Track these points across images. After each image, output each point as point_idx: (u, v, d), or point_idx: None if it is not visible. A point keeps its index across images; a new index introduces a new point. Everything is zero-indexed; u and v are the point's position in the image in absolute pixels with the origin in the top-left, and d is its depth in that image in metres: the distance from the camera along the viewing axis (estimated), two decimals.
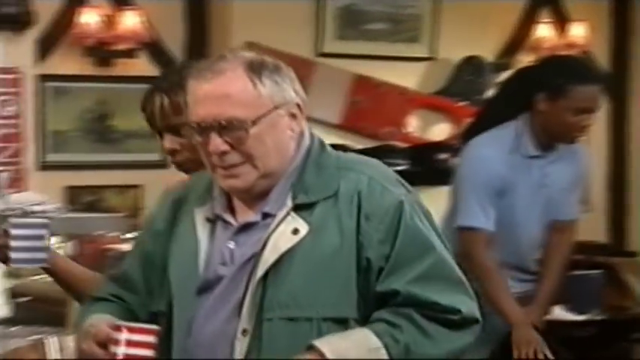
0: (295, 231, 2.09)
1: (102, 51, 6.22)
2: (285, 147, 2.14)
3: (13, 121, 5.71)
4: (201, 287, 2.12)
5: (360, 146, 6.45)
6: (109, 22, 6.20)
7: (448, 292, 2.08)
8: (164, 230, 2.24)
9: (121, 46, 6.23)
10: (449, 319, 2.07)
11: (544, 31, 7.09)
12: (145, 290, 2.23)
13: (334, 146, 6.58)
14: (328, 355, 1.98)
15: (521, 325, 3.86)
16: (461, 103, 6.73)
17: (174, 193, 2.28)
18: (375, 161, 2.24)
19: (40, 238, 2.50)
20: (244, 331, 2.05)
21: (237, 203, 2.17)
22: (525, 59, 6.65)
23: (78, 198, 6.13)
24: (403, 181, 2.20)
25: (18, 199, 4.47)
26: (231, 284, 2.10)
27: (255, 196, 2.14)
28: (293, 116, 2.15)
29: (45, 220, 2.52)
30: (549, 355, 3.84)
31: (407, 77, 6.68)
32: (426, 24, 6.71)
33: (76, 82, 6.26)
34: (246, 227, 2.14)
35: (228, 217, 2.16)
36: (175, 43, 6.47)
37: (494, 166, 3.86)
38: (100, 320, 2.12)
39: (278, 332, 2.05)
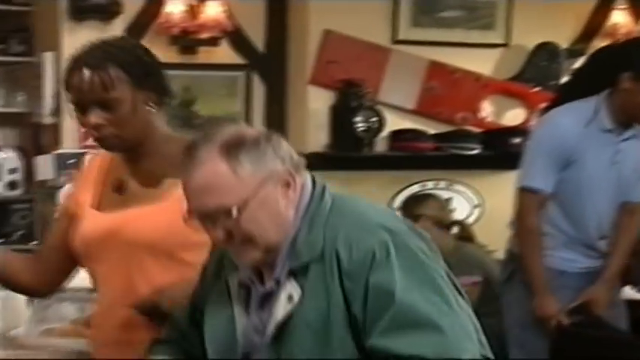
0: (290, 298, 2.09)
1: (186, 40, 6.41)
2: (282, 218, 2.12)
3: None
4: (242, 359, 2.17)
5: (434, 131, 6.62)
6: (193, 11, 6.39)
7: (413, 340, 2.01)
8: (209, 283, 2.29)
9: (205, 35, 6.41)
10: None
11: (619, 17, 7.10)
12: (197, 335, 2.30)
13: (408, 131, 6.70)
14: None
15: (542, 293, 4.00)
16: (535, 89, 6.80)
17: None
18: (358, 206, 2.18)
19: None
20: None
21: (265, 269, 2.18)
22: (600, 45, 6.69)
23: None
24: (388, 220, 2.15)
25: None
26: (261, 355, 2.15)
27: (269, 265, 2.15)
28: (286, 184, 2.12)
29: None
30: (565, 322, 3.98)
31: (481, 64, 6.76)
32: (500, 11, 6.77)
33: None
34: (267, 295, 2.16)
35: (256, 285, 2.18)
36: (256, 31, 6.65)
37: (564, 134, 3.98)
38: None
39: None
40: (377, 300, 2.03)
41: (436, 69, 6.65)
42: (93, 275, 2.63)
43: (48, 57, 5.91)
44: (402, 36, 6.61)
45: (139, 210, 2.51)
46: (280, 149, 2.13)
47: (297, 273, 2.10)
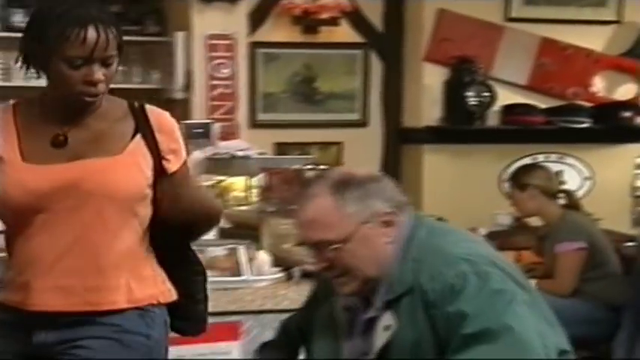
0: (386, 328, 2.32)
1: (308, 20, 6.73)
2: (380, 254, 2.34)
3: (227, 83, 6.27)
4: None
5: (545, 105, 6.80)
6: None
7: (481, 353, 2.23)
8: (321, 300, 2.52)
9: (325, 15, 6.71)
10: None
11: None
12: (301, 343, 2.57)
13: (520, 105, 6.86)
14: None
15: None
16: None
17: None
18: (445, 240, 2.38)
19: None
20: None
21: (369, 295, 2.39)
22: None
23: (285, 153, 6.61)
24: (470, 251, 2.34)
25: (227, 145, 5.09)
26: None
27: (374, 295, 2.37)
28: (387, 223, 2.34)
29: None
30: None
31: (593, 40, 6.89)
32: None
33: (284, 48, 6.83)
34: (370, 321, 2.38)
35: (360, 311, 2.41)
36: (374, 11, 6.94)
37: None
38: None
39: None
40: (456, 323, 2.25)
41: (548, 45, 6.84)
42: (29, 225, 2.61)
43: (179, 37, 6.27)
44: (514, 14, 6.80)
45: (97, 162, 2.59)
46: (385, 190, 2.36)
47: (392, 304, 2.33)
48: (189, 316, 2.77)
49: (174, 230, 2.68)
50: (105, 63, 2.54)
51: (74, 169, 2.57)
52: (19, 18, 6.16)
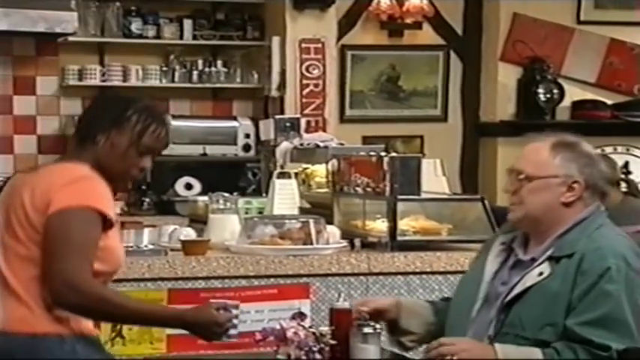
0: (541, 274, 2.72)
1: (393, 24, 7.32)
2: (551, 206, 2.74)
3: (317, 82, 6.83)
4: (484, 297, 2.82)
5: (612, 101, 7.29)
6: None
7: (606, 334, 2.63)
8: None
9: (409, 20, 7.29)
10: (600, 355, 2.62)
11: None
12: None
13: (588, 102, 7.36)
14: (500, 355, 2.69)
15: None
16: None
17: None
18: (614, 237, 2.75)
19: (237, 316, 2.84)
20: (489, 337, 2.76)
21: (531, 243, 2.83)
22: None
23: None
24: (630, 255, 2.70)
25: (311, 137, 5.65)
26: (499, 301, 2.78)
27: (535, 242, 2.81)
28: (570, 189, 2.75)
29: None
30: None
31: None
32: None
33: (371, 50, 7.43)
34: (520, 263, 2.81)
35: (517, 251, 2.84)
36: (454, 16, 7.51)
37: None
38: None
39: (508, 343, 2.71)
40: (596, 299, 2.65)
41: (616, 46, 7.34)
42: (110, 276, 2.84)
43: (275, 41, 6.86)
44: (584, 17, 7.32)
45: None
46: (591, 170, 2.78)
47: (553, 259, 2.73)
48: None
49: None
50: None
51: None
52: (137, 25, 6.72)
